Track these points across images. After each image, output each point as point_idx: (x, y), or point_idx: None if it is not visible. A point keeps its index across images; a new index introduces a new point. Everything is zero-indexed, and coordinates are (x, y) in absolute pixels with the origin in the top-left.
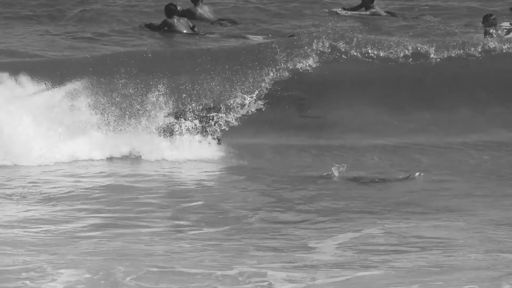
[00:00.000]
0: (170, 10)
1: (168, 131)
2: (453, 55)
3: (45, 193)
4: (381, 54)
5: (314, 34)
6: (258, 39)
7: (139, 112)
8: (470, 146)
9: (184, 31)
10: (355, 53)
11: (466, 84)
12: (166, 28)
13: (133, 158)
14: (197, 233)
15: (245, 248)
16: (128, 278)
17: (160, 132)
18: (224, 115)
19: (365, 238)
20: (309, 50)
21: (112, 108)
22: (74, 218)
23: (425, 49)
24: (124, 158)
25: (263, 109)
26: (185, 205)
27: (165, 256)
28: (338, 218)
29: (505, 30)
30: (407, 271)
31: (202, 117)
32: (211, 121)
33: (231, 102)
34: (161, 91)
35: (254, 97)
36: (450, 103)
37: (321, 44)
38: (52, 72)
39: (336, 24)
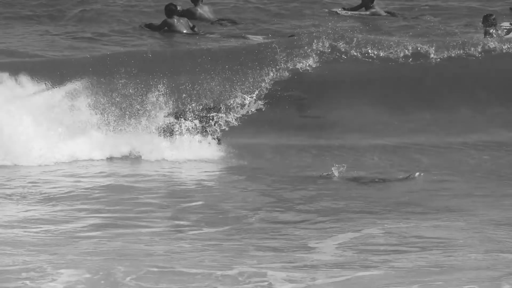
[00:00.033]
0: (170, 10)
1: (168, 131)
2: (453, 55)
3: (45, 193)
4: (381, 54)
5: (314, 34)
6: (258, 39)
7: (139, 112)
8: (470, 146)
9: (184, 31)
10: (355, 53)
11: (466, 84)
12: (166, 28)
13: (133, 158)
14: (197, 233)
15: (245, 248)
16: (128, 278)
17: (160, 132)
18: (224, 115)
19: (365, 238)
20: (309, 50)
21: (112, 108)
22: (74, 218)
23: (425, 49)
24: (124, 158)
25: (263, 109)
26: (185, 205)
27: (165, 256)
28: (338, 218)
29: (505, 30)
30: (407, 271)
31: (202, 117)
32: (211, 121)
33: (231, 102)
34: (161, 91)
35: (254, 97)
36: (450, 103)
37: (321, 44)
38: (52, 72)
39: (336, 24)
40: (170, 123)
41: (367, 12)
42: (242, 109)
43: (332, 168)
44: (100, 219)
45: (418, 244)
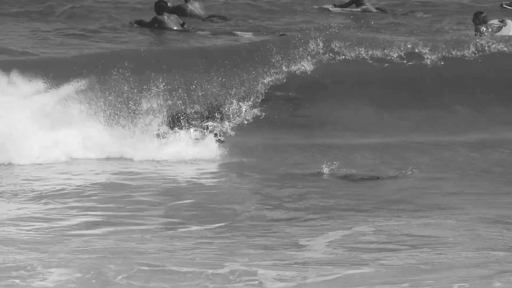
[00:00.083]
0: (160, 7)
1: (162, 130)
2: (449, 54)
3: (37, 190)
4: (376, 53)
5: (310, 34)
6: (248, 35)
7: (133, 110)
8: (461, 144)
9: (175, 28)
10: (349, 52)
11: (462, 83)
12: (156, 25)
13: (126, 156)
14: (188, 230)
15: (236, 246)
16: (119, 277)
17: (153, 130)
18: (218, 116)
19: (355, 236)
20: (301, 49)
21: (107, 106)
22: (66, 216)
23: (420, 47)
24: (117, 156)
25: (255, 108)
26: (176, 203)
27: (156, 254)
28: (328, 215)
29: (495, 28)
30: (398, 269)
31: (197, 117)
32: (206, 119)
33: (226, 109)
34: (156, 89)
35: (250, 103)
36: (443, 101)
37: (314, 43)
38: (45, 70)
39: (327, 21)
40: (163, 122)
41: (358, 9)
42: (238, 116)
43: (323, 166)
44: (92, 217)
45: (409, 242)
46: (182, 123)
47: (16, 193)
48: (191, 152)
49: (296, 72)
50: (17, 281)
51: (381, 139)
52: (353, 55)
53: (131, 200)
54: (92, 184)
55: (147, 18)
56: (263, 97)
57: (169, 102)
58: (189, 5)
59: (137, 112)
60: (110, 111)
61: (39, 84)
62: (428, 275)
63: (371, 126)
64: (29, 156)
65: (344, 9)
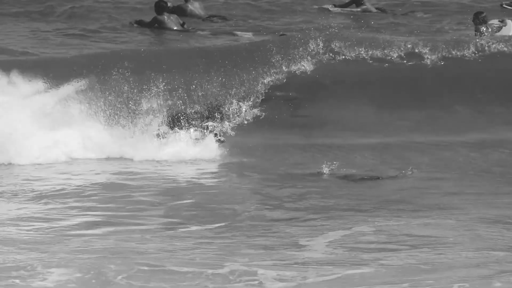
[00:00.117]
0: (161, 7)
1: (162, 130)
2: (449, 54)
3: (37, 190)
4: (376, 53)
5: (310, 34)
6: (248, 35)
7: (133, 110)
8: (461, 144)
9: (175, 28)
10: (349, 52)
11: (462, 83)
12: (156, 25)
13: (126, 156)
14: (188, 230)
15: (236, 246)
16: (119, 277)
17: (153, 130)
18: (218, 116)
19: (355, 236)
20: (301, 49)
21: (107, 106)
22: (66, 216)
23: (420, 47)
24: (117, 156)
25: (255, 108)
26: (176, 203)
27: (156, 254)
28: (328, 215)
29: (495, 28)
30: (398, 269)
31: (197, 117)
32: (206, 119)
33: (226, 109)
34: (156, 89)
35: (250, 103)
36: (444, 101)
37: (314, 43)
38: (45, 70)
39: (327, 21)
40: (163, 122)
41: (358, 9)
42: (238, 116)
43: (323, 166)
44: (92, 217)
45: (409, 242)
46: (182, 123)
47: (16, 193)
48: (191, 152)
49: (296, 72)
50: (17, 281)
51: (381, 139)
52: (353, 55)
53: (131, 200)
54: (92, 184)
55: (147, 18)
56: (263, 97)
57: (169, 102)
58: (189, 5)
59: (137, 112)
60: (110, 111)
61: (39, 84)
62: (428, 275)
63: (371, 126)
64: (29, 156)
65: (344, 9)
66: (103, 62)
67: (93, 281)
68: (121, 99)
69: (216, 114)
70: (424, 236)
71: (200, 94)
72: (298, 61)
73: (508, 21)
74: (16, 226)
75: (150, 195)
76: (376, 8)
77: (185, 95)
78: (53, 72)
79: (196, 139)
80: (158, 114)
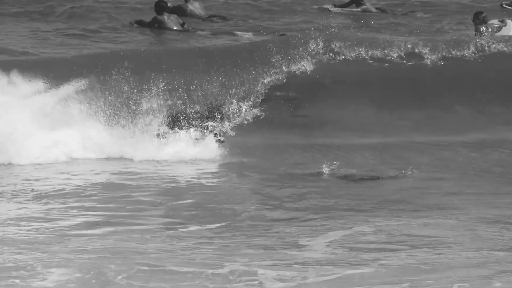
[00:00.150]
0: (161, 7)
1: (162, 130)
2: (449, 54)
3: (37, 190)
4: (376, 53)
5: (310, 34)
6: (248, 35)
7: (133, 110)
8: (461, 144)
9: (175, 28)
10: (349, 52)
11: (462, 82)
12: (156, 25)
13: (126, 156)
14: (188, 230)
15: (236, 246)
16: (119, 277)
17: (153, 130)
18: (218, 116)
19: (355, 236)
20: (301, 49)
21: (107, 106)
22: (66, 216)
23: (420, 47)
24: (117, 156)
25: (255, 108)
26: (176, 203)
27: (156, 254)
28: (328, 215)
29: (495, 28)
30: (398, 269)
31: (197, 117)
32: (206, 119)
33: (226, 109)
34: (156, 89)
35: (250, 103)
36: (444, 101)
37: (314, 43)
38: (45, 70)
39: (327, 21)
40: (163, 122)
41: (358, 9)
42: (238, 116)
43: (323, 166)
44: (92, 217)
45: (409, 242)
46: (182, 123)
47: (16, 193)
48: (191, 152)
49: (296, 72)
50: (17, 281)
51: (381, 139)
52: (353, 55)
53: (131, 200)
54: (92, 184)
55: (147, 18)
56: (263, 97)
57: (169, 102)
58: (189, 5)
59: (137, 112)
60: (110, 111)
61: (39, 84)
62: (428, 275)
63: (371, 126)
64: (29, 156)
65: (344, 9)
66: (103, 62)
67: (93, 281)
68: (121, 99)
69: (216, 114)
70: (424, 236)
71: (200, 94)
72: (298, 61)
73: (508, 21)
74: (16, 226)
75: (150, 195)
76: (376, 8)
77: (185, 95)
78: (53, 72)
79: (196, 139)
80: (158, 114)
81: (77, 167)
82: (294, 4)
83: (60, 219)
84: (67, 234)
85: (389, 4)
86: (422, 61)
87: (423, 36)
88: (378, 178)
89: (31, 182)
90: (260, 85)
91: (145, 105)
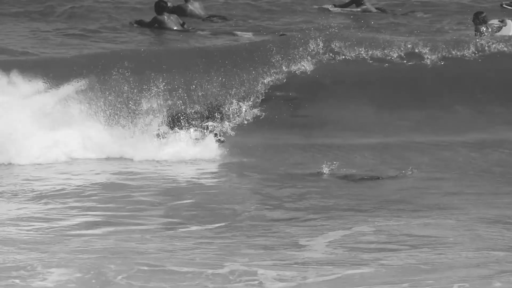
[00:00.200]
0: (161, 7)
1: (162, 130)
2: (449, 54)
3: (37, 190)
4: (376, 53)
5: (310, 34)
6: (248, 35)
7: (133, 110)
8: (461, 144)
9: (175, 28)
10: (349, 52)
11: (462, 82)
12: (156, 25)
13: (126, 156)
14: (188, 230)
15: (236, 246)
16: (119, 277)
17: (153, 130)
18: (218, 116)
19: (355, 236)
20: (301, 49)
21: (107, 106)
22: (66, 216)
23: (420, 47)
24: (117, 156)
25: (255, 108)
26: (176, 203)
27: (156, 254)
28: (328, 215)
29: (495, 28)
30: (398, 269)
31: (197, 117)
32: (206, 119)
33: (226, 109)
34: (156, 89)
35: (250, 103)
36: (444, 101)
37: (314, 43)
38: (45, 70)
39: (327, 21)
40: (163, 122)
41: (358, 9)
42: (238, 116)
43: (323, 166)
44: (92, 217)
45: (409, 242)
46: (182, 123)
47: (16, 193)
48: (191, 152)
49: (296, 72)
50: (17, 281)
51: (381, 139)
52: (353, 55)
53: (131, 200)
54: (92, 184)
55: (147, 18)
56: (263, 97)
57: (169, 102)
58: (189, 5)
59: (137, 112)
60: (110, 111)
61: (39, 84)
62: (428, 275)
63: (371, 126)
64: (29, 156)
65: (344, 9)
66: (103, 62)
67: (93, 281)
68: (121, 99)
69: (216, 114)
70: (424, 236)
71: (200, 94)
72: (298, 61)
73: (508, 21)
74: (16, 226)
75: (150, 195)
76: (376, 8)
77: (185, 95)
78: (53, 72)
79: (196, 139)
80: (158, 114)
81: (77, 167)
82: (294, 4)
83: (60, 219)
84: (67, 234)
85: (389, 4)
86: (422, 61)
87: (423, 36)
88: (378, 178)
89: (31, 182)
90: (260, 85)
91: (145, 105)
